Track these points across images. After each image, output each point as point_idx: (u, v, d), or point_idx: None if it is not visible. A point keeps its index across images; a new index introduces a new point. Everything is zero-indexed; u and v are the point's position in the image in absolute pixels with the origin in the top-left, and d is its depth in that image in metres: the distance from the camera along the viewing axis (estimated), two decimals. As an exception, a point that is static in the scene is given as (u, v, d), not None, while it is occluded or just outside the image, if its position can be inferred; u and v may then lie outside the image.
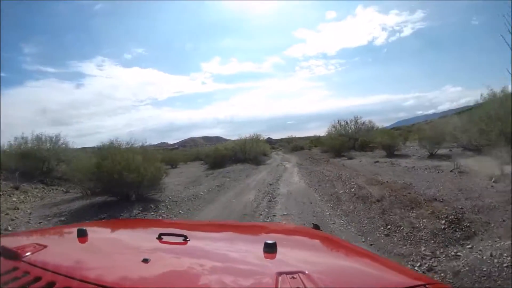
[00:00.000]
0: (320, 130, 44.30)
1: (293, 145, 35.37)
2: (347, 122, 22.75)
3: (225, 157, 17.48)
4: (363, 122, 22.03)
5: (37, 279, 0.70)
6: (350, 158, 14.48)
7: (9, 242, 0.94)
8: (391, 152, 13.63)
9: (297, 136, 43.41)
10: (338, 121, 23.15)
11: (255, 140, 22.41)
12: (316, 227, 1.68)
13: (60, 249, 1.00)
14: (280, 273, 0.74)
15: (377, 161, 11.55)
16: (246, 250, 1.09)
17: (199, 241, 1.16)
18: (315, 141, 36.60)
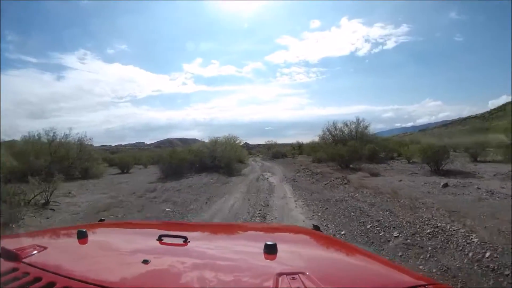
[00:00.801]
0: (298, 138, 47.10)
1: (274, 151, 32.31)
2: (346, 125, 19.68)
3: (186, 163, 13.73)
4: (366, 126, 19.23)
5: (37, 279, 0.69)
6: (374, 175, 10.23)
7: (9, 243, 0.92)
8: (438, 167, 9.85)
9: (277, 142, 39.92)
10: (334, 123, 20.40)
11: (229, 143, 19.55)
12: (316, 227, 1.61)
13: (60, 250, 0.98)
14: (280, 274, 0.72)
15: (446, 184, 6.89)
16: (246, 251, 1.06)
17: (199, 242, 1.13)
18: (297, 148, 34.82)
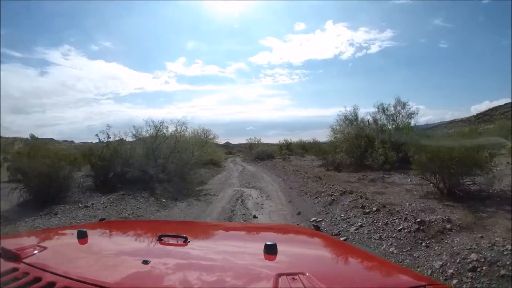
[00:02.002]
0: (279, 138, 43.69)
1: (258, 151, 25.54)
2: (385, 108, 11.47)
3: (73, 166, 6.60)
4: (412, 113, 11.18)
5: (37, 280, 0.71)
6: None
7: (9, 244, 0.94)
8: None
9: (262, 142, 33.31)
10: (354, 110, 12.21)
11: (199, 140, 15.22)
12: (316, 228, 1.62)
13: (60, 251, 1.01)
14: (280, 274, 0.73)
15: None
16: (246, 251, 1.08)
17: (199, 242, 1.16)
18: (285, 148, 29.64)
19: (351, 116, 11.32)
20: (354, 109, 11.51)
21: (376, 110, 10.88)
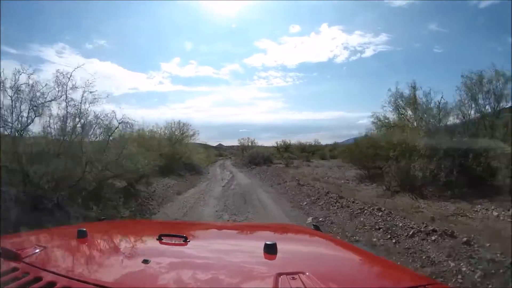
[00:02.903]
0: (273, 141, 37.74)
1: (252, 153, 21.23)
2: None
3: None
4: None
5: (37, 279, 0.70)
6: None
7: (10, 243, 0.97)
8: None
9: (257, 143, 28.74)
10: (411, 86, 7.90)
11: (161, 138, 13.88)
12: (316, 227, 1.61)
13: (60, 250, 1.01)
14: (280, 274, 0.73)
15: None
16: (246, 251, 1.08)
17: (199, 242, 1.17)
18: (283, 150, 25.18)
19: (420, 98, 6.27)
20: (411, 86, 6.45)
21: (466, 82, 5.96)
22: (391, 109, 8.21)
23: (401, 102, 7.83)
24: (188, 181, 11.43)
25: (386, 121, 8.51)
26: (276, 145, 28.57)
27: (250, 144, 26.09)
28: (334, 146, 30.08)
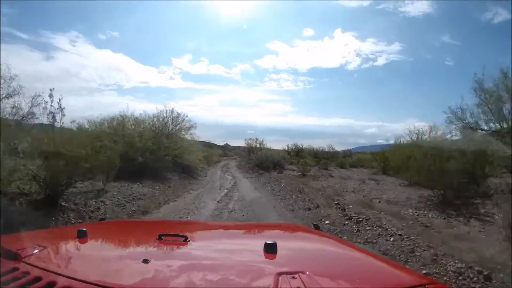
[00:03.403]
0: (278, 144, 36.74)
1: (261, 156, 17.52)
2: None
3: None
4: None
5: (37, 279, 0.71)
6: None
7: (9, 243, 0.96)
8: None
9: (265, 145, 24.23)
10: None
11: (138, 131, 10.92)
12: (316, 227, 1.62)
13: (60, 250, 1.03)
14: (280, 273, 0.73)
15: None
16: (246, 250, 1.10)
17: (199, 241, 1.19)
18: (295, 154, 23.09)
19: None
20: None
21: None
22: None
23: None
24: (172, 189, 8.31)
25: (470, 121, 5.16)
26: (286, 148, 25.51)
27: (258, 145, 22.80)
28: (348, 153, 28.26)
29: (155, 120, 12.53)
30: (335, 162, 22.28)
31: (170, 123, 13.16)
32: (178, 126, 13.67)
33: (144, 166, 9.18)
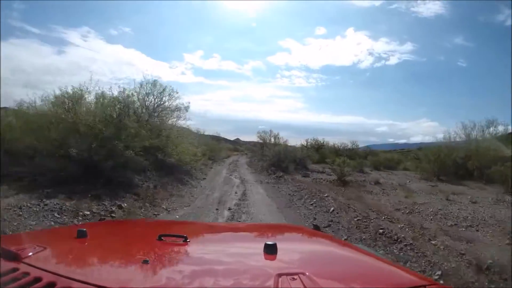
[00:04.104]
0: (292, 141, 23.39)
1: (278, 152, 13.13)
2: None
3: None
4: None
5: (37, 279, 0.70)
6: None
7: (9, 243, 0.96)
8: None
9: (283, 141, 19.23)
10: None
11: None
12: (316, 227, 1.64)
13: (60, 250, 1.01)
14: (280, 274, 0.72)
15: None
16: (246, 251, 1.08)
17: (199, 242, 1.18)
18: (314, 150, 19.28)
19: None
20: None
21: None
22: None
23: None
24: (126, 211, 4.23)
25: None
26: (305, 143, 21.88)
27: (273, 140, 18.95)
28: (369, 151, 24.86)
29: (119, 95, 8.14)
30: (370, 162, 18.39)
31: (154, 98, 9.14)
32: (162, 106, 9.24)
33: (93, 165, 5.78)
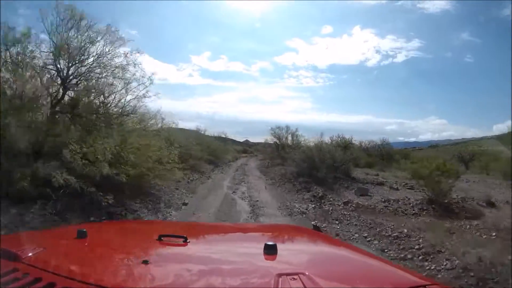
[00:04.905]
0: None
1: (309, 156, 8.87)
2: None
3: None
4: None
5: (37, 280, 0.72)
6: None
7: (9, 243, 0.99)
8: None
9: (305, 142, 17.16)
10: None
11: None
12: (316, 228, 1.72)
13: (60, 250, 1.04)
14: (280, 274, 0.74)
15: None
16: (246, 251, 1.12)
17: (199, 242, 1.20)
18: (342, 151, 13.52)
19: None
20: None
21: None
22: None
23: None
24: None
25: None
26: (330, 142, 18.04)
27: (289, 138, 15.13)
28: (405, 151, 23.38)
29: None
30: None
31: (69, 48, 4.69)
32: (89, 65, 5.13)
33: None
